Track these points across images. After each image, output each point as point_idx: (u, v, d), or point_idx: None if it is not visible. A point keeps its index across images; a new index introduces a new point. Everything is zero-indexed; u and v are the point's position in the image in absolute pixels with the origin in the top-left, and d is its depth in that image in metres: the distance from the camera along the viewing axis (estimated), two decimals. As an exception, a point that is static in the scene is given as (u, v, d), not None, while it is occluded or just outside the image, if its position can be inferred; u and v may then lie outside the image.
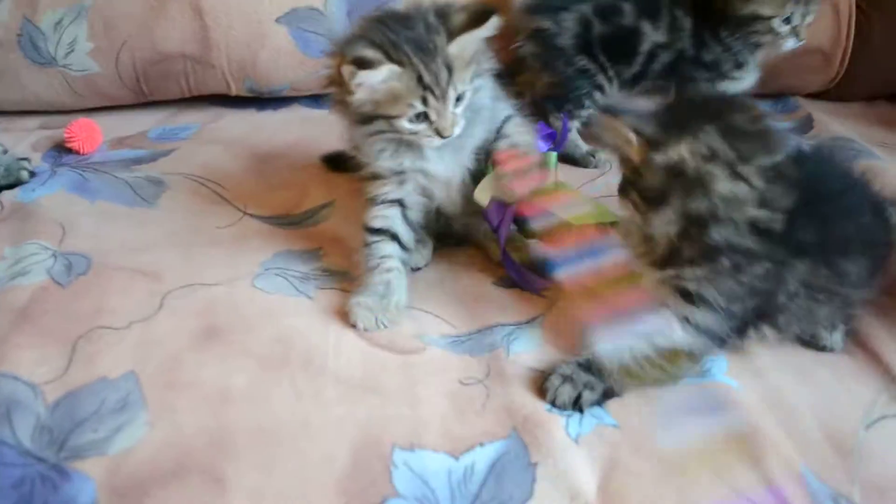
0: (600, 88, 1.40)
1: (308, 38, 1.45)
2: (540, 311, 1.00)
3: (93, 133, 1.40)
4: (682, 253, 0.86)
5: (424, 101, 0.94)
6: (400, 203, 1.04)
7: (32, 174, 1.32)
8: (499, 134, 1.04)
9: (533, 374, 0.89)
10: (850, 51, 1.54)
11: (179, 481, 0.76)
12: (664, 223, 0.85)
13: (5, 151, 1.34)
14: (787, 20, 1.33)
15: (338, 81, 0.95)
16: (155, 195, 1.26)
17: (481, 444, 0.80)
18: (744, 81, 1.42)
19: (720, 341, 0.89)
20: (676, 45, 1.38)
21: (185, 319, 0.97)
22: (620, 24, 1.37)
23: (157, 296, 1.01)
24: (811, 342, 0.96)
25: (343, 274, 1.07)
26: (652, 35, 1.37)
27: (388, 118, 0.95)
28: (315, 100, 1.55)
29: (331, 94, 1.01)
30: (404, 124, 0.95)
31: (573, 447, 0.81)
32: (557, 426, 0.83)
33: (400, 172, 1.02)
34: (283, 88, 1.52)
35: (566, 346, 0.94)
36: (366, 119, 0.97)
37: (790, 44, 1.36)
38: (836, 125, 1.50)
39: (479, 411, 0.84)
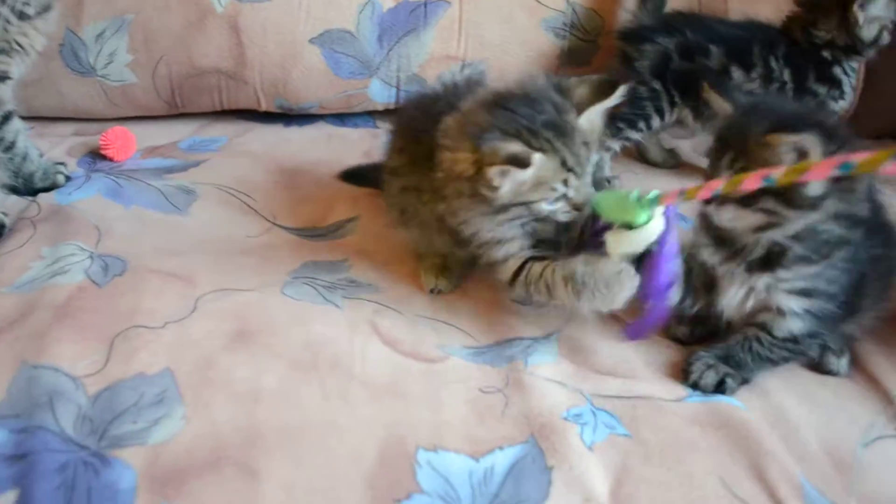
0: (660, 113, 1.42)
1: (339, 59, 1.51)
2: (556, 328, 1.04)
3: (128, 141, 1.46)
4: (789, 252, 0.92)
5: (566, 182, 0.94)
6: None
7: (68, 178, 1.37)
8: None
9: (550, 386, 0.94)
10: (858, 89, 1.59)
11: (215, 472, 0.81)
12: (804, 224, 0.89)
13: (42, 155, 1.40)
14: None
15: (470, 176, 0.93)
16: (186, 203, 1.31)
17: (500, 448, 0.85)
18: (842, 103, 1.43)
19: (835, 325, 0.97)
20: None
21: (218, 322, 1.01)
22: (705, 65, 1.37)
23: (191, 298, 1.05)
24: (818, 366, 1.01)
25: (369, 285, 1.12)
26: (743, 81, 1.37)
27: (527, 204, 0.94)
28: (340, 118, 1.62)
29: (455, 185, 0.98)
30: (543, 207, 0.95)
31: (587, 453, 0.85)
32: (573, 434, 0.87)
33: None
34: (311, 106, 1.58)
35: (582, 360, 0.99)
36: (501, 209, 0.96)
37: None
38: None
39: (499, 417, 0.89)
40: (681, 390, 0.96)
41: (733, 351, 0.97)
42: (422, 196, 1.06)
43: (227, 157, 1.49)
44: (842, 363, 1.01)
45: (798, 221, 0.89)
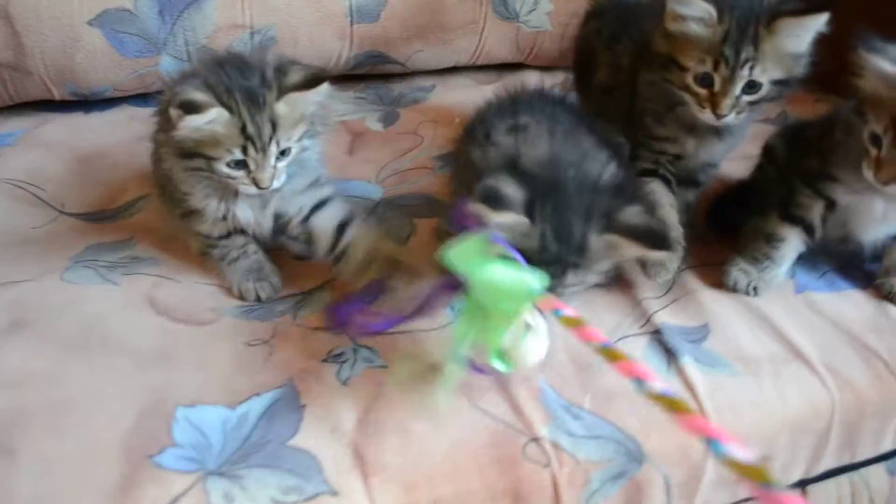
0: None
1: (123, 38, 1.49)
2: (326, 280, 1.09)
3: None
4: None
5: (244, 150, 0.95)
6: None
7: None
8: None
9: (316, 334, 0.99)
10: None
11: (-28, 457, 0.83)
12: None
13: None
14: None
15: (166, 114, 0.97)
16: (-29, 202, 1.29)
17: (258, 395, 0.90)
18: None
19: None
20: None
21: (-8, 316, 1.02)
22: None
23: (-33, 296, 1.06)
24: None
25: (151, 259, 1.14)
26: None
27: (207, 158, 0.96)
28: (144, 99, 1.60)
29: (157, 119, 1.03)
30: (221, 168, 0.96)
31: (341, 388, 0.91)
32: (330, 373, 0.93)
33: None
34: (105, 90, 1.56)
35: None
36: (186, 154, 0.98)
37: None
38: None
39: (260, 367, 0.94)
40: (444, 318, 1.02)
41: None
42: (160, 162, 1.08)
43: (21, 150, 1.45)
44: None
45: None
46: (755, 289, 1.10)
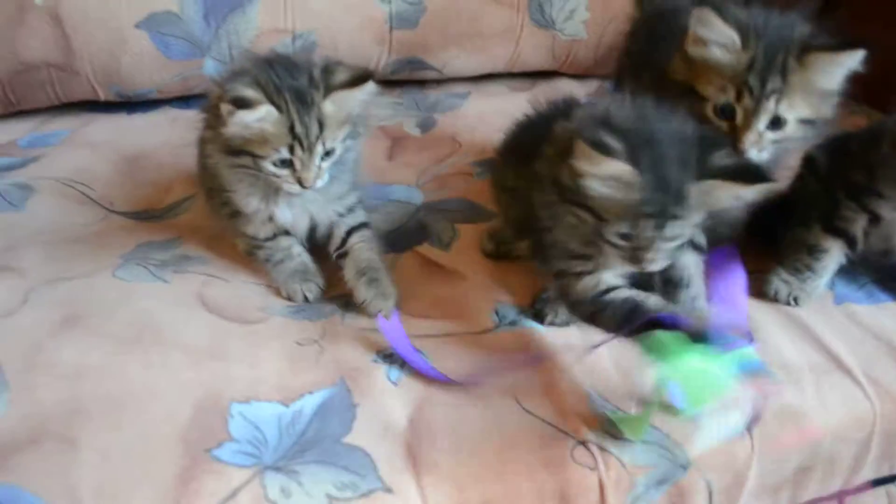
0: None
1: (168, 41, 1.52)
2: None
3: (-40, 144, 1.44)
4: None
5: (291, 150, 0.97)
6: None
7: None
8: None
9: (364, 334, 1.01)
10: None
11: (35, 446, 0.85)
12: None
13: None
14: None
15: (214, 111, 0.99)
16: (22, 199, 1.32)
17: (310, 393, 0.92)
18: None
19: None
20: None
21: (48, 310, 1.04)
22: None
23: (22, 291, 1.08)
24: None
25: (199, 258, 1.16)
26: None
27: (254, 156, 0.98)
28: (185, 101, 1.63)
29: (204, 117, 1.04)
30: (268, 166, 0.98)
31: (392, 388, 0.93)
32: (380, 373, 0.95)
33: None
34: (149, 92, 1.59)
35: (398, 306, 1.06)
36: (233, 151, 0.99)
37: None
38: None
39: (312, 366, 0.96)
40: (489, 323, 1.04)
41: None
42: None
43: (67, 149, 1.49)
44: None
45: None
46: (796, 299, 1.11)
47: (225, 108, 0.95)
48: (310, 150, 0.98)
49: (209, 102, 1.02)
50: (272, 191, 1.05)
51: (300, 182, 1.00)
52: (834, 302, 1.14)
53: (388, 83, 1.73)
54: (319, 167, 1.00)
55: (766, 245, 1.19)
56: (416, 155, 1.48)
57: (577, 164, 0.85)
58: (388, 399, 0.92)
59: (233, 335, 1.01)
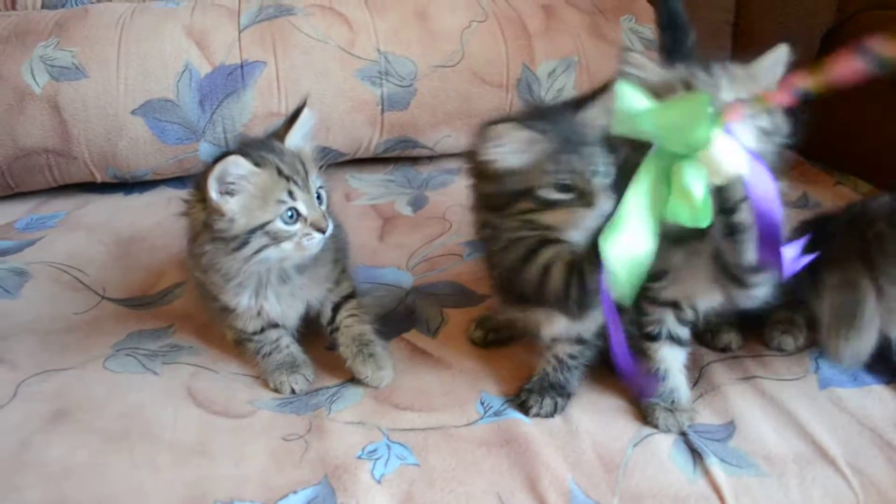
0: None
1: (164, 126, 1.57)
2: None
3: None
4: None
5: (291, 195, 0.99)
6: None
7: None
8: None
9: (348, 429, 1.02)
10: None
11: (17, 552, 0.85)
12: None
13: None
14: None
15: (202, 219, 1.00)
16: (18, 286, 1.34)
17: (294, 492, 0.92)
18: None
19: None
20: None
21: (37, 404, 1.06)
22: None
23: (13, 384, 1.09)
24: None
25: (190, 348, 1.18)
26: None
27: (263, 227, 0.98)
28: (181, 180, 1.66)
29: (200, 239, 1.03)
30: (281, 226, 0.98)
31: (376, 487, 0.93)
32: (364, 470, 0.95)
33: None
34: (145, 174, 1.63)
35: (385, 397, 1.07)
36: (243, 242, 0.99)
37: None
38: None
39: (297, 463, 0.96)
40: (473, 414, 1.05)
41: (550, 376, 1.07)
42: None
43: (63, 232, 1.52)
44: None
45: None
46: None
47: (213, 196, 0.97)
48: (306, 186, 1.00)
49: (193, 219, 1.05)
50: (262, 284, 1.07)
51: (316, 227, 1.01)
52: (819, 387, 1.14)
53: (380, 160, 1.77)
54: (323, 214, 1.02)
55: (752, 328, 1.20)
56: (408, 236, 1.50)
57: (489, 147, 0.93)
58: (373, 496, 0.92)
59: (220, 430, 1.02)
